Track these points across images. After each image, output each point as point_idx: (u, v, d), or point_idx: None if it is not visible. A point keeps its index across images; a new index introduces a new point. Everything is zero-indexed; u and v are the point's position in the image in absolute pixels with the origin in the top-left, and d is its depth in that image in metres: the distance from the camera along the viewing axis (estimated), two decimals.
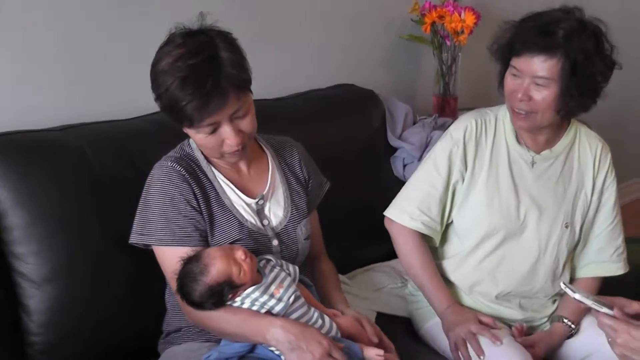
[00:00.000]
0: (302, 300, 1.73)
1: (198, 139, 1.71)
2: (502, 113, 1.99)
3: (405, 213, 1.99)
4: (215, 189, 1.79)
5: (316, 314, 1.72)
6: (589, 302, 1.47)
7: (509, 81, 1.88)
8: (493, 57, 1.95)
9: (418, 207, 1.98)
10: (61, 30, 2.01)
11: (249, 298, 1.68)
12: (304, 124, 2.36)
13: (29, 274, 1.74)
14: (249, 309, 1.67)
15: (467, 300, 2.01)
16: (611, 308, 1.47)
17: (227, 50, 1.66)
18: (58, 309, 1.76)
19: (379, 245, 2.25)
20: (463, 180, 1.98)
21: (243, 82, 1.68)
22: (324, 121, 2.43)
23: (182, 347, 1.77)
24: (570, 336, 1.97)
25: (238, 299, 1.67)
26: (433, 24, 2.74)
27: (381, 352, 1.66)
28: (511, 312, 1.99)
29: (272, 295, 1.68)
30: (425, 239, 2.03)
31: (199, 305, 1.65)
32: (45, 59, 1.99)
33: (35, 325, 1.75)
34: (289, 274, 1.75)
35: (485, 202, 1.95)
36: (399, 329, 2.12)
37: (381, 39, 2.84)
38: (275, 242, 1.82)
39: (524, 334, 1.94)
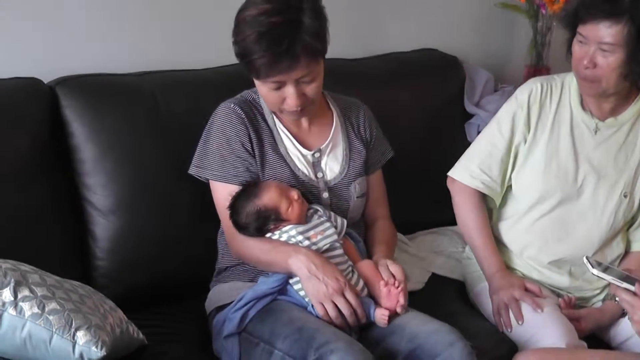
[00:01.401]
0: (340, 251, 1.78)
1: (262, 90, 1.78)
2: (569, 79, 1.96)
3: (466, 172, 2.02)
4: (272, 136, 1.87)
5: (350, 269, 1.77)
6: (608, 278, 1.43)
7: (576, 48, 1.86)
8: (561, 24, 1.93)
9: (479, 166, 1.99)
10: None
11: (286, 234, 1.77)
12: (379, 85, 2.40)
13: (96, 203, 1.90)
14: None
15: (518, 262, 2.00)
16: (633, 284, 1.42)
17: (311, 17, 1.70)
18: (120, 237, 1.91)
19: (446, 210, 2.24)
20: (525, 142, 1.98)
21: (316, 52, 1.72)
22: (400, 84, 2.45)
23: (228, 284, 1.88)
24: (623, 315, 1.91)
25: (277, 232, 1.77)
26: None
27: (386, 312, 1.69)
28: (561, 279, 1.97)
29: (308, 238, 1.76)
30: (485, 201, 2.04)
31: (243, 227, 1.77)
32: (133, 8, 2.13)
33: (99, 251, 1.91)
34: (335, 226, 1.82)
35: (543, 164, 1.95)
36: (452, 292, 2.14)
37: (474, 5, 2.80)
38: (325, 195, 1.88)
39: (572, 307, 1.91)
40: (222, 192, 1.82)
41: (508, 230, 2.04)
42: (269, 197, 1.76)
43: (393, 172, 2.21)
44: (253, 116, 1.87)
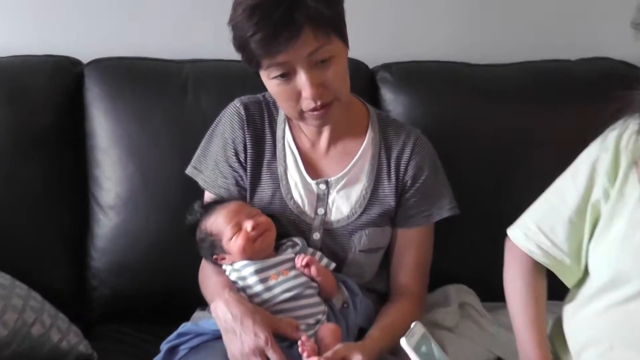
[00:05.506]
0: (312, 300, 1.42)
1: (272, 88, 1.44)
2: None
3: (521, 229, 1.43)
4: (274, 150, 1.54)
5: (316, 322, 1.40)
6: (412, 355, 1.14)
7: None
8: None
9: (537, 224, 1.40)
10: None
11: (236, 272, 1.45)
12: (509, 99, 1.87)
13: (98, 197, 1.76)
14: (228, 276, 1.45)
15: None
16: None
17: None
18: (113, 237, 1.74)
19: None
20: (607, 199, 1.32)
21: (324, 18, 1.35)
22: (540, 99, 1.86)
23: (204, 312, 1.56)
24: None
25: (229, 266, 1.46)
26: None
27: None
28: None
29: (265, 280, 1.41)
30: (541, 269, 1.43)
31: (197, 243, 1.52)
32: None
33: (93, 250, 1.76)
34: None
35: (622, 235, 1.29)
36: None
37: None
38: (316, 236, 1.51)
39: None
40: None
41: (571, 316, 1.40)
42: (214, 219, 1.46)
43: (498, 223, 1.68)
44: (259, 121, 1.55)
